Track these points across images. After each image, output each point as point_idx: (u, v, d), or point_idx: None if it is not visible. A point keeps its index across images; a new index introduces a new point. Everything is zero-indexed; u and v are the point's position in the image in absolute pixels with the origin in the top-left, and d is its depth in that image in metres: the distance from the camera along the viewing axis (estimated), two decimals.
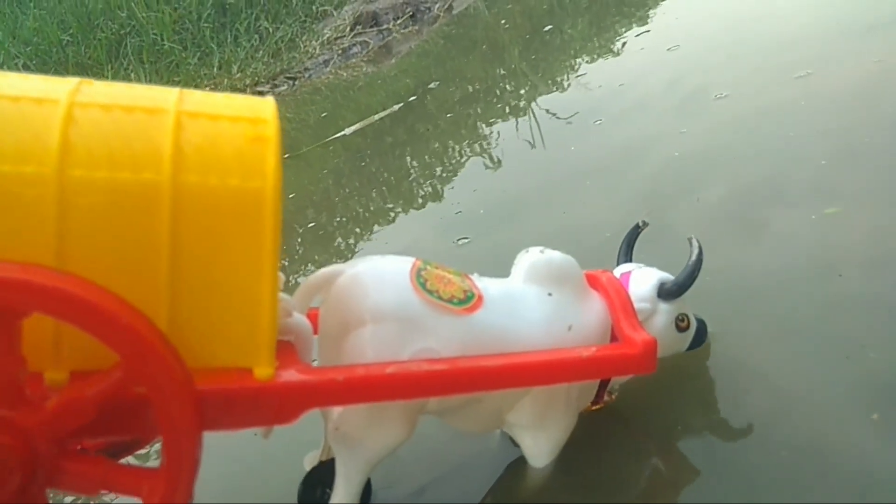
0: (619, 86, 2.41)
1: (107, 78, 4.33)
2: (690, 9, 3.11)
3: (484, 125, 2.60)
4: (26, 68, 4.30)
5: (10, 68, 4.25)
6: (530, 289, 0.98)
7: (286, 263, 2.05)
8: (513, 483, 1.05)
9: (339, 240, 2.16)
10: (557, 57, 3.17)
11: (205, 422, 0.69)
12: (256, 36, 5.13)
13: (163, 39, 4.85)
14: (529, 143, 2.27)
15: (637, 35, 2.93)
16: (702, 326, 1.14)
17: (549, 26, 3.60)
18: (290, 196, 2.51)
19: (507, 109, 2.67)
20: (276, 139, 0.71)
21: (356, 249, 2.03)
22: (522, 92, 2.86)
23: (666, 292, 1.05)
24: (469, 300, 0.92)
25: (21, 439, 0.65)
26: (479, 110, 2.83)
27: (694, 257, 1.05)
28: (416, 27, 4.77)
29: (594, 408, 1.10)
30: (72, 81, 0.70)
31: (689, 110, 2.03)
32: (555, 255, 1.02)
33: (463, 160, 2.38)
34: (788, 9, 2.51)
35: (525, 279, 1.00)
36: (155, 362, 0.65)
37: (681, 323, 1.08)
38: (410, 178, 2.41)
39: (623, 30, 3.06)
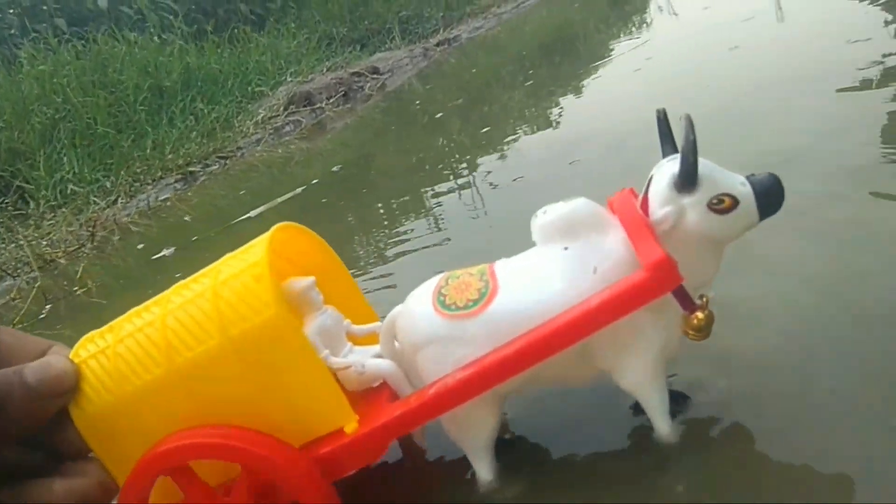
0: (558, 153, 2.42)
1: (38, 163, 4.27)
2: (623, 77, 3.19)
3: (427, 194, 2.56)
4: None
5: None
6: (546, 251, 0.97)
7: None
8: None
9: None
10: (497, 126, 3.20)
11: (327, 475, 0.89)
12: (192, 117, 5.12)
13: (97, 123, 4.81)
14: (472, 210, 2.23)
15: (573, 103, 2.97)
16: (763, 186, 0.89)
17: (488, 101, 3.65)
18: None
19: (450, 179, 2.64)
20: (268, 274, 0.88)
21: None
22: (464, 163, 2.85)
23: (679, 186, 0.89)
24: (483, 297, 0.94)
25: None
26: (420, 179, 2.79)
27: (684, 138, 0.86)
28: (349, 105, 4.81)
29: (694, 317, 0.90)
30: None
31: (633, 171, 2.02)
32: (556, 209, 0.95)
33: (407, 228, 2.32)
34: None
35: (541, 244, 0.98)
36: (264, 460, 0.86)
37: (718, 205, 0.89)
38: (355, 249, 2.32)
39: (560, 99, 3.10)
